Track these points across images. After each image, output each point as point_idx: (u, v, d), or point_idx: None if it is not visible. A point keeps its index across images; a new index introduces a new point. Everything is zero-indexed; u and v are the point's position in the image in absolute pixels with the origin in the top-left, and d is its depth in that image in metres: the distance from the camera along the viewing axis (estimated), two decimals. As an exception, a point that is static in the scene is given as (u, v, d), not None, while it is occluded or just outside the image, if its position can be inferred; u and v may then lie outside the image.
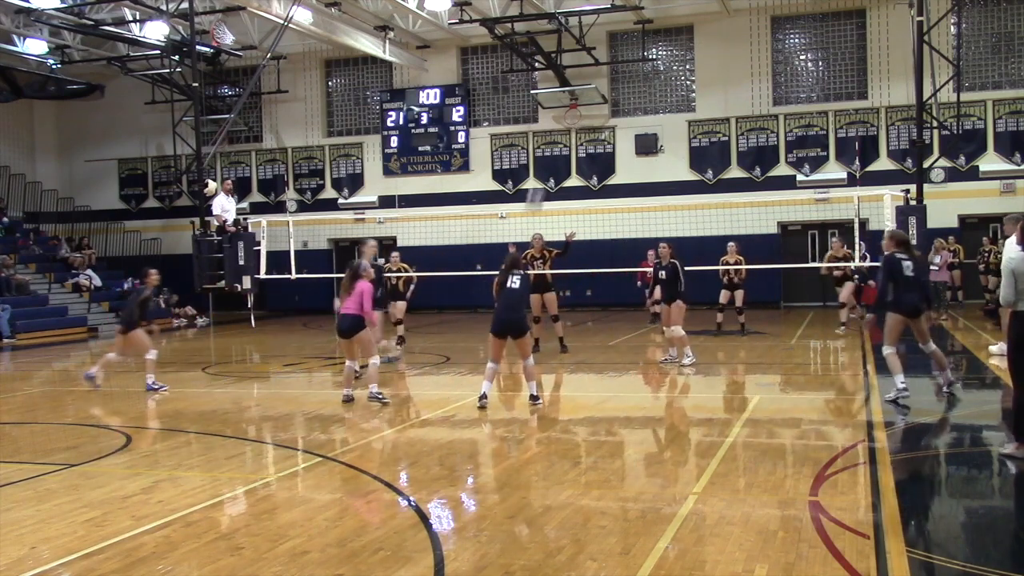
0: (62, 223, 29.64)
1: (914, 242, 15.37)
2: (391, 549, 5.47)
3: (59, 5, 22.62)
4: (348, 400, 11.04)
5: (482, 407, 10.27)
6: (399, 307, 15.94)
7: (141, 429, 9.66)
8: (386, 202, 27.63)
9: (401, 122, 27.67)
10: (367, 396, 11.04)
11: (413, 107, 27.51)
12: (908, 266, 9.76)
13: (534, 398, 10.49)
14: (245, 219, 19.78)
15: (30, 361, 17.96)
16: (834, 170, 24.42)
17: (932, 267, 18.43)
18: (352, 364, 11.28)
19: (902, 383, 9.81)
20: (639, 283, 21.69)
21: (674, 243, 14.35)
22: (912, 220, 15.47)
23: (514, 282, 10.36)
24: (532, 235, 15.90)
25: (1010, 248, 12.03)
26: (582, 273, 21.01)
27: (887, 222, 15.54)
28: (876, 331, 17.45)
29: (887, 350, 9.92)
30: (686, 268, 13.73)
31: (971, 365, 13.51)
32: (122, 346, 12.59)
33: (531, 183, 26.73)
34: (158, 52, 25.15)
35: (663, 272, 13.72)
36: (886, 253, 10.01)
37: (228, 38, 25.10)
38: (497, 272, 10.78)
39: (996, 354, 13.02)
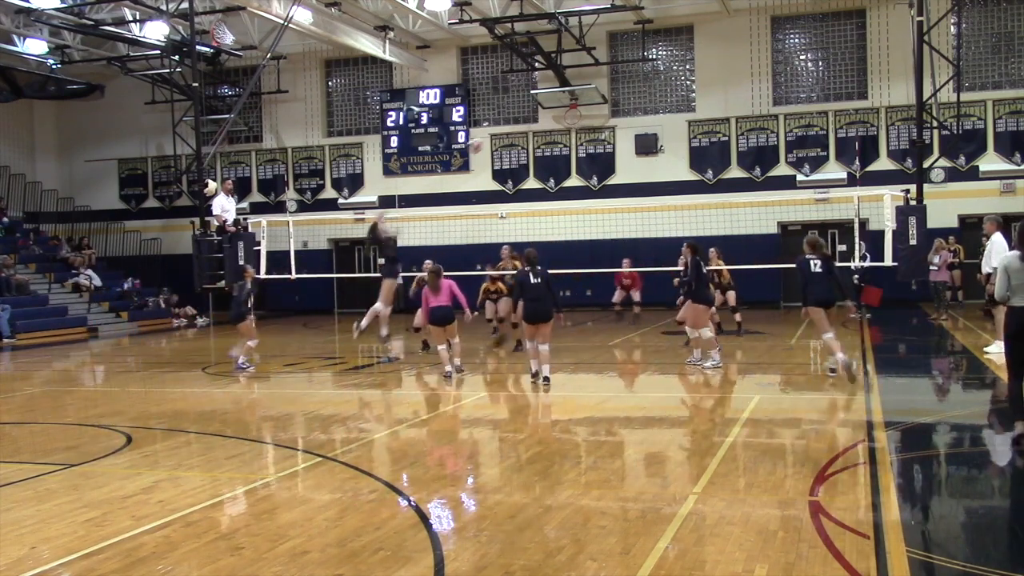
0: (62, 223, 29.65)
1: (914, 242, 15.42)
2: (391, 549, 5.47)
3: (59, 5, 22.62)
4: (448, 376, 12.73)
5: (535, 383, 11.85)
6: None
7: (141, 429, 9.66)
8: (386, 202, 27.60)
9: (401, 122, 27.67)
10: (455, 369, 12.85)
11: (413, 107, 27.50)
12: (816, 264, 11.34)
13: (546, 379, 11.82)
14: (245, 219, 19.78)
15: (30, 361, 17.96)
16: (834, 170, 24.43)
17: (932, 267, 18.40)
18: (444, 348, 12.95)
19: (842, 358, 11.15)
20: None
21: (674, 243, 14.39)
22: (912, 220, 15.46)
23: (536, 279, 11.87)
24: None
25: (998, 246, 12.40)
26: (580, 272, 21.09)
27: (887, 222, 15.55)
28: (876, 332, 17.48)
29: (827, 336, 11.34)
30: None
31: (971, 365, 13.51)
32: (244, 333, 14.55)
33: (531, 183, 26.75)
34: (158, 52, 25.16)
35: (682, 273, 13.93)
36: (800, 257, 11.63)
37: (228, 38, 25.10)
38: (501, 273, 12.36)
39: (993, 353, 13.04)
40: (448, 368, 12.84)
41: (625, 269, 20.43)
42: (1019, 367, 7.69)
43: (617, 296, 21.03)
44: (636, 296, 20.78)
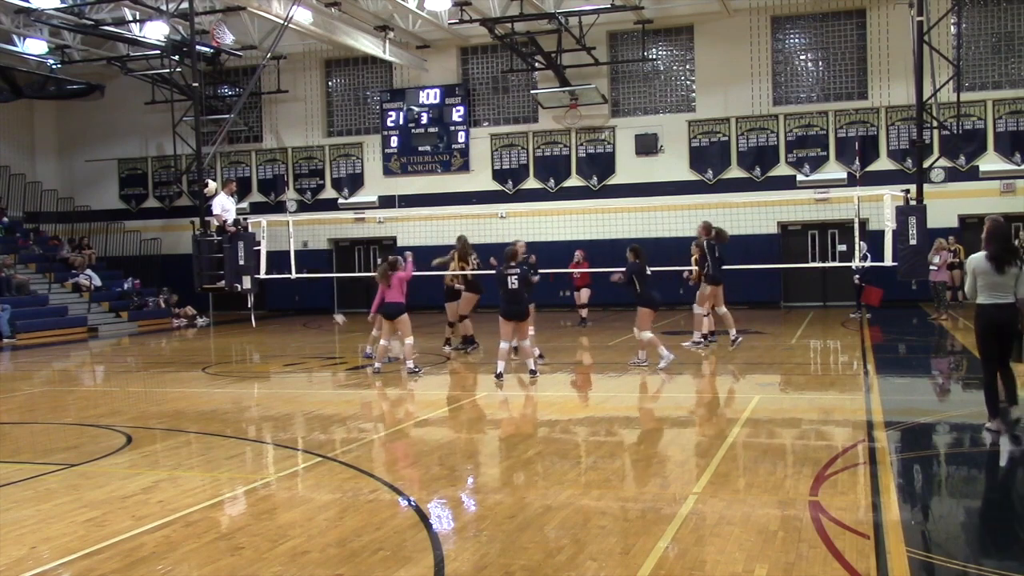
0: (62, 223, 29.62)
1: (914, 242, 15.41)
2: (391, 549, 5.47)
3: (59, 5, 22.60)
4: (376, 372, 13.39)
5: (499, 382, 12.04)
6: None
7: (141, 429, 9.66)
8: (386, 202, 27.62)
9: (401, 122, 27.67)
10: (406, 371, 13.17)
11: (413, 107, 27.50)
12: (716, 250, 14.10)
13: (532, 372, 12.42)
14: (245, 219, 19.76)
15: (30, 361, 17.96)
16: (834, 170, 24.42)
17: (932, 267, 18.38)
18: (387, 342, 13.64)
19: (734, 334, 14.44)
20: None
21: (674, 243, 14.41)
22: (912, 220, 15.42)
23: (513, 279, 12.27)
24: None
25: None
26: (575, 272, 21.07)
27: (887, 222, 15.54)
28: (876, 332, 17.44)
29: (700, 310, 14.88)
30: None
31: (971, 365, 13.51)
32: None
33: (531, 183, 26.74)
34: (158, 52, 25.14)
35: (622, 275, 13.30)
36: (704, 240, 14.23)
37: (228, 38, 25.08)
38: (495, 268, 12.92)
39: None
40: (377, 364, 13.55)
41: (576, 269, 20.56)
42: (993, 363, 8.14)
43: (576, 297, 21.07)
44: (583, 297, 20.77)
